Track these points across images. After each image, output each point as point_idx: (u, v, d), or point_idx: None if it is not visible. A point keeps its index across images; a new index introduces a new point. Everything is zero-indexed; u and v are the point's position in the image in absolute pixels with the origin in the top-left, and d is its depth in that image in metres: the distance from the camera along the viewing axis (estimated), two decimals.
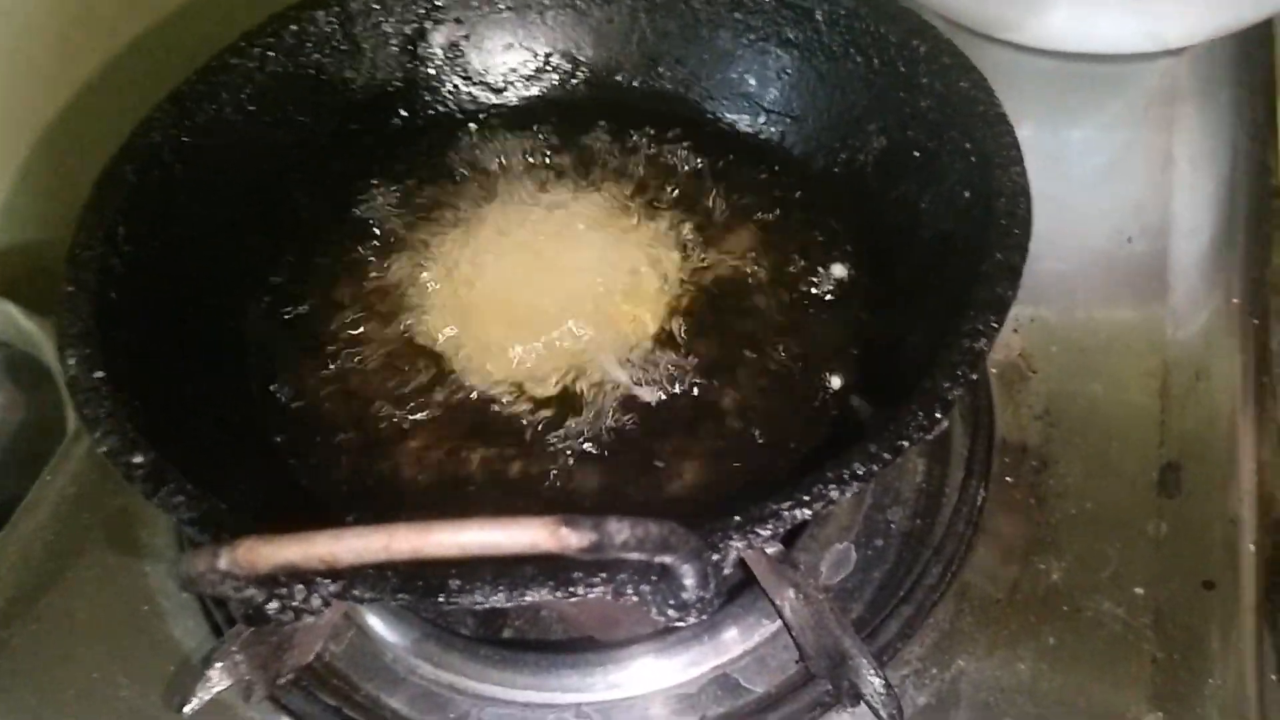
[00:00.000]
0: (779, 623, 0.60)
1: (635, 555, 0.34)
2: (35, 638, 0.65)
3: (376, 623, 0.64)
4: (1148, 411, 0.68)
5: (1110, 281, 0.76)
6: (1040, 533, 0.63)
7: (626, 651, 0.61)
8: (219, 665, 0.57)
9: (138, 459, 0.49)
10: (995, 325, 0.49)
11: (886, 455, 0.45)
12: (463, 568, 0.42)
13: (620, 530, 0.34)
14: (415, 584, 0.42)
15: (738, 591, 0.62)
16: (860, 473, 0.45)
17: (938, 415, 0.46)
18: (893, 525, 0.65)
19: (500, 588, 0.42)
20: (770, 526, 0.44)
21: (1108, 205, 0.80)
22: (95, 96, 0.95)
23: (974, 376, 0.47)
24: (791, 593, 0.57)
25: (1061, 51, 0.88)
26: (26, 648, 0.65)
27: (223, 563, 0.33)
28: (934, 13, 0.84)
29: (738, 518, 0.44)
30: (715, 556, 0.43)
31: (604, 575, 0.41)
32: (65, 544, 0.69)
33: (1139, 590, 0.61)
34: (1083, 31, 0.85)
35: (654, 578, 0.41)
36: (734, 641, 0.62)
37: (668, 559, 0.36)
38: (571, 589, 0.41)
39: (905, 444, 0.46)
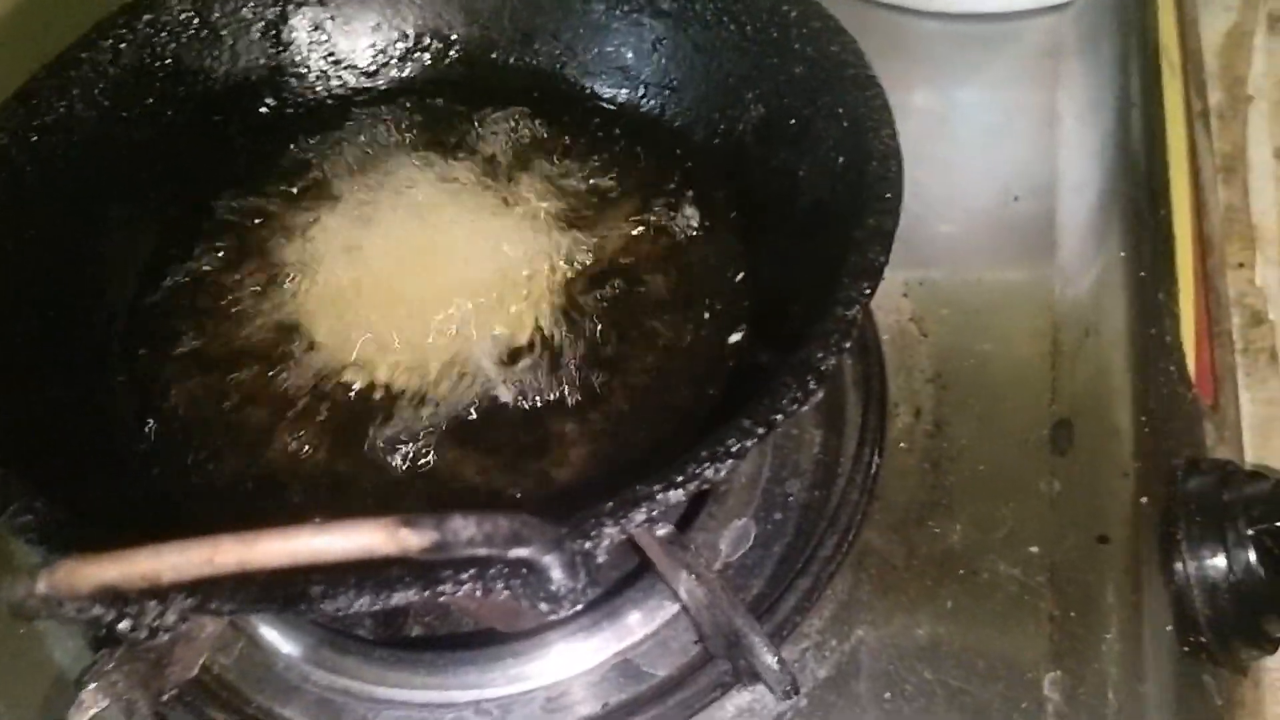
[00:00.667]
0: (677, 606, 0.59)
1: (484, 551, 0.33)
2: None
3: (267, 631, 0.61)
4: (1038, 370, 0.67)
5: (998, 241, 0.76)
6: (935, 496, 0.63)
7: (528, 642, 0.60)
8: (93, 686, 0.54)
9: None
10: (868, 291, 0.48)
11: (760, 429, 0.44)
12: (327, 573, 0.41)
13: (465, 527, 0.32)
14: (275, 594, 0.40)
15: (637, 575, 0.61)
16: (734, 449, 0.44)
17: (812, 386, 0.45)
18: (791, 498, 0.64)
19: (365, 591, 0.40)
20: (644, 509, 0.42)
21: (995, 165, 0.80)
22: None
23: (847, 345, 0.46)
24: (684, 574, 0.56)
25: (947, 12, 0.88)
26: None
27: (41, 587, 0.31)
28: None
29: (610, 503, 0.43)
30: (587, 544, 0.41)
31: (471, 572, 0.40)
32: None
33: (1034, 549, 0.61)
34: None
35: (524, 571, 0.40)
36: (636, 625, 0.60)
37: (523, 552, 0.34)
38: (437, 588, 0.40)
39: (779, 416, 0.44)
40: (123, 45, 0.66)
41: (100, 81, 0.65)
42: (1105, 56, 0.87)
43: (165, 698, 0.58)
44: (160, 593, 0.39)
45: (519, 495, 0.56)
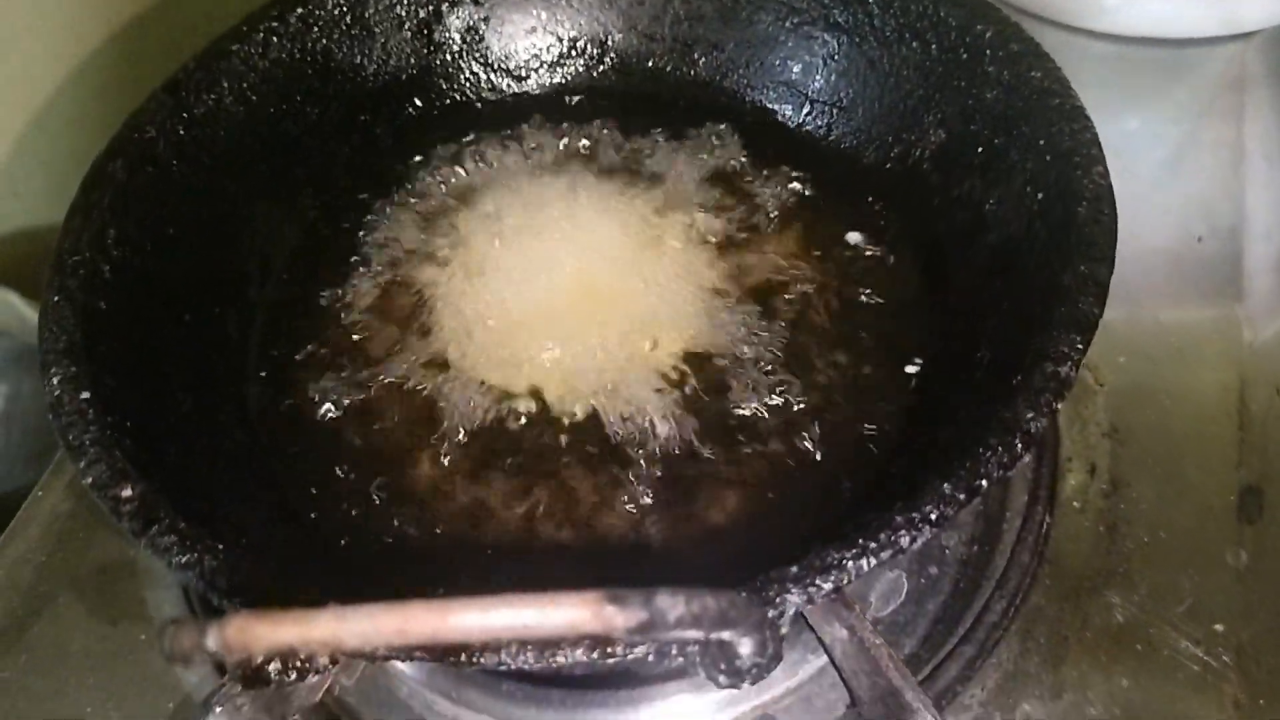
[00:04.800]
0: (825, 658, 0.55)
1: (692, 634, 0.29)
2: (25, 670, 0.61)
3: None
4: (1224, 428, 0.62)
5: (1180, 285, 0.70)
6: (1111, 563, 0.58)
7: (660, 688, 0.57)
8: (219, 710, 0.52)
9: (126, 492, 0.44)
10: (1081, 347, 0.43)
11: (962, 496, 0.40)
12: None
13: (674, 606, 0.29)
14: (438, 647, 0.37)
15: None
16: (933, 517, 0.40)
17: (1019, 449, 0.41)
18: (948, 552, 0.60)
19: (529, 649, 0.37)
20: (833, 579, 0.39)
21: (1174, 202, 0.74)
22: (99, 71, 0.90)
23: (1059, 405, 0.42)
24: (843, 632, 0.52)
25: (1121, 35, 0.82)
26: (15, 681, 0.60)
27: (210, 643, 0.29)
28: None
29: (794, 569, 0.39)
30: (771, 613, 0.38)
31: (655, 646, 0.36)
32: (57, 567, 0.64)
33: (1219, 626, 0.56)
34: (1146, 14, 0.79)
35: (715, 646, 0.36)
36: (777, 678, 0.57)
37: (726, 635, 0.31)
38: (611, 652, 0.36)
39: (984, 483, 0.40)
40: (274, 39, 0.64)
41: (249, 75, 0.63)
42: None
43: None
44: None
45: (666, 537, 0.52)
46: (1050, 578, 0.58)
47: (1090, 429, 0.63)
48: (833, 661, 0.53)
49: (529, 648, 0.37)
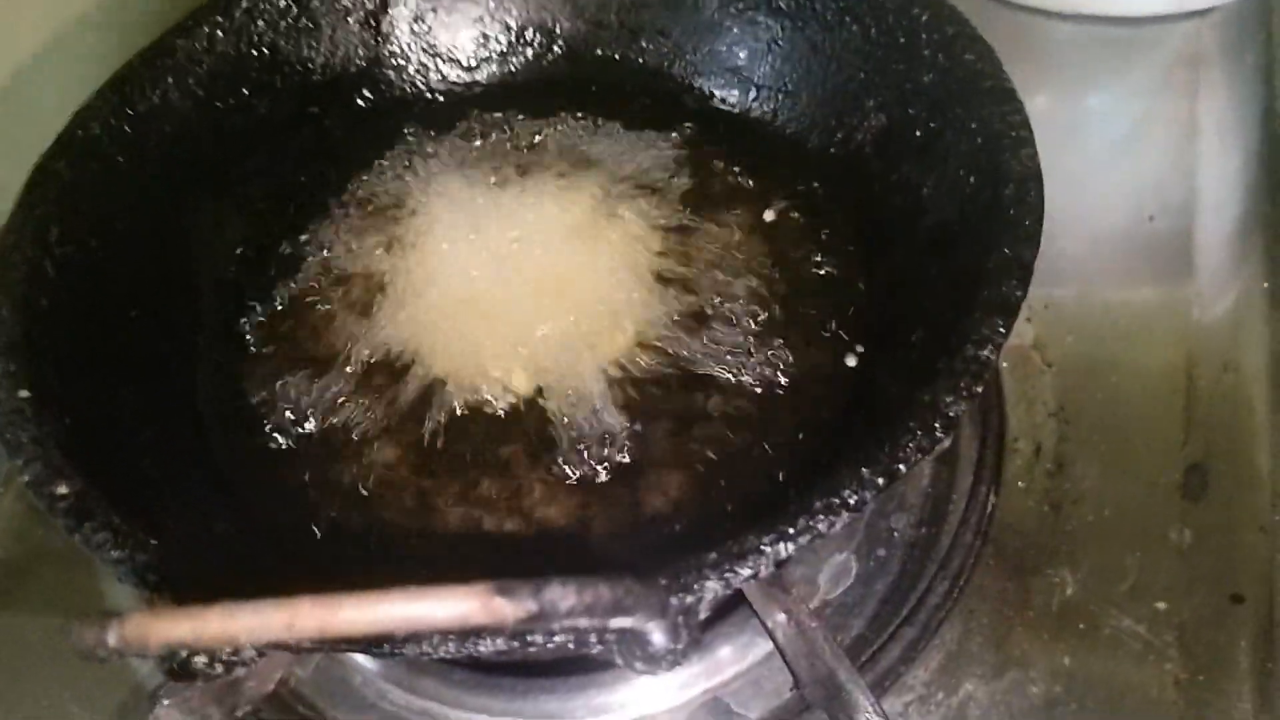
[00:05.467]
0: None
1: (585, 622, 0.30)
2: None
3: None
4: (1171, 407, 0.63)
5: (1130, 263, 0.70)
6: (1055, 542, 0.59)
7: (613, 673, 0.57)
8: (168, 702, 0.52)
9: (61, 489, 0.44)
10: (1003, 331, 0.44)
11: (880, 480, 0.41)
12: None
13: (564, 596, 0.29)
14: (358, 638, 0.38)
15: (730, 607, 0.58)
16: (851, 501, 0.40)
17: (939, 434, 0.41)
18: (896, 534, 0.60)
19: (450, 639, 0.37)
20: (750, 564, 0.39)
21: (1127, 180, 0.75)
22: (54, 64, 0.89)
23: (979, 389, 0.42)
24: (782, 616, 0.52)
25: (1078, 14, 0.82)
26: None
27: (111, 639, 0.29)
28: None
29: (713, 554, 0.39)
30: (688, 599, 0.38)
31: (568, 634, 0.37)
32: (15, 562, 0.65)
33: (1161, 605, 0.56)
34: None
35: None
36: (727, 662, 0.57)
37: (626, 622, 0.31)
38: (528, 645, 0.37)
39: (902, 467, 0.41)
40: (219, 33, 0.64)
41: (195, 70, 0.63)
42: (1249, 66, 0.81)
43: (240, 713, 0.56)
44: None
45: (607, 524, 0.53)
46: (994, 558, 0.58)
47: (1037, 408, 0.63)
48: (775, 645, 0.54)
49: (450, 637, 0.37)
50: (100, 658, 0.31)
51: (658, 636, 0.35)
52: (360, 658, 0.59)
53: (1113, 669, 0.55)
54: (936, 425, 0.42)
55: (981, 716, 0.54)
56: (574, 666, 0.58)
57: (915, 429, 0.42)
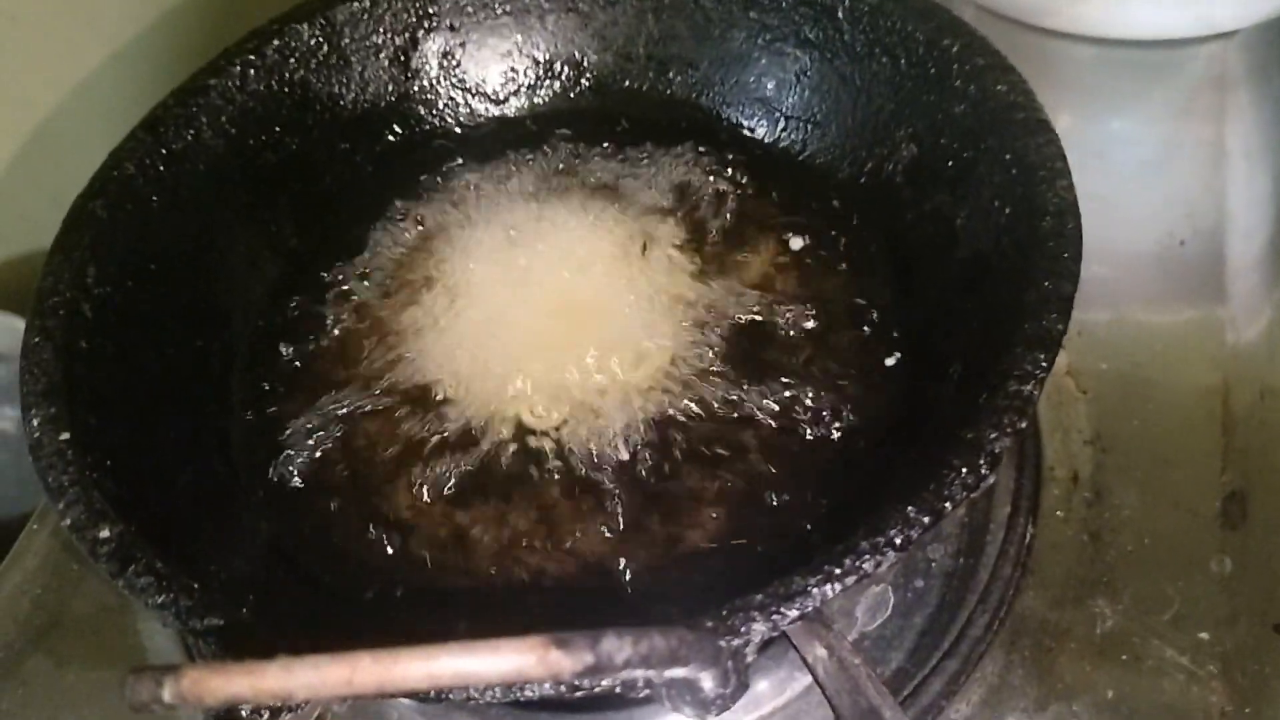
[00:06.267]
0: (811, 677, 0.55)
1: (641, 673, 0.30)
2: (22, 702, 0.61)
3: None
4: (1208, 434, 0.62)
5: (1162, 289, 0.70)
6: (1095, 572, 0.58)
7: (648, 708, 0.57)
8: None
9: (104, 533, 0.45)
10: (1045, 365, 0.43)
11: (926, 519, 0.40)
12: None
13: (620, 648, 0.29)
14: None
15: (768, 641, 0.57)
16: (897, 541, 0.40)
17: (984, 471, 0.41)
18: (934, 564, 0.60)
19: (496, 686, 0.37)
20: (798, 606, 0.39)
21: (1156, 204, 0.74)
22: (102, 93, 0.90)
23: (1023, 425, 0.42)
24: (823, 652, 0.52)
25: (1101, 37, 0.82)
26: (13, 714, 0.61)
27: (167, 694, 0.29)
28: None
29: (759, 596, 0.39)
30: (736, 642, 0.38)
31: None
32: (53, 599, 0.65)
33: (1204, 635, 0.56)
34: (1125, 16, 0.79)
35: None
36: (765, 697, 0.57)
37: (680, 673, 0.31)
38: (576, 686, 0.37)
39: (948, 506, 0.41)
40: (251, 71, 0.64)
41: (228, 109, 0.63)
42: (1277, 87, 0.81)
43: None
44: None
45: (642, 558, 0.53)
46: (1034, 588, 0.58)
47: (1073, 437, 0.63)
48: (816, 680, 0.54)
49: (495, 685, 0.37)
50: (154, 711, 0.31)
51: (708, 682, 0.35)
52: None
53: (1157, 700, 0.54)
54: (981, 463, 0.41)
55: None
56: (611, 702, 0.58)
57: (960, 466, 0.41)
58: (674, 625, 0.31)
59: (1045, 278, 0.46)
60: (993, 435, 0.42)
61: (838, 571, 0.39)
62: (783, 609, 0.39)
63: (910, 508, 0.41)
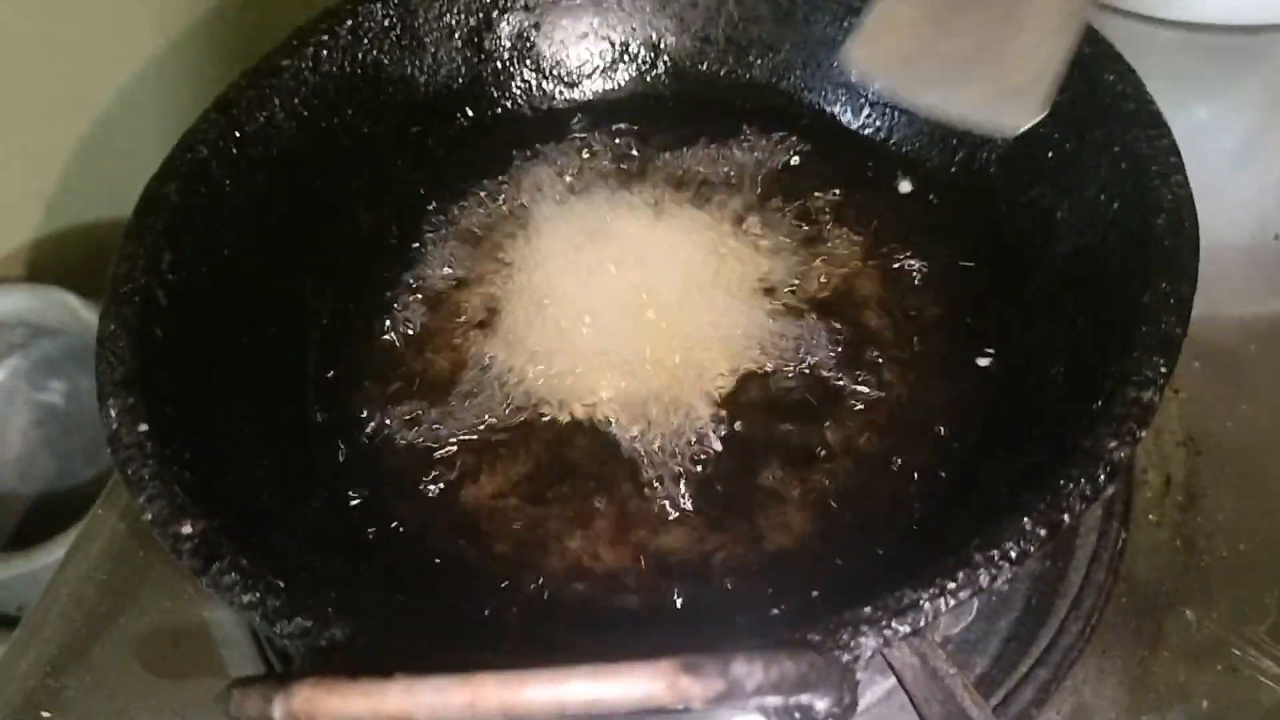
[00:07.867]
0: (893, 679, 0.54)
1: (771, 700, 0.28)
2: (89, 689, 0.61)
3: None
4: None
5: (1257, 284, 0.67)
6: (1189, 580, 0.56)
7: (720, 715, 0.55)
8: None
9: (186, 529, 0.43)
10: (1165, 371, 0.42)
11: (1043, 532, 0.39)
12: None
13: (751, 673, 0.28)
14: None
15: None
16: (1013, 554, 0.38)
17: (1103, 481, 0.40)
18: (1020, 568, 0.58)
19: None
20: (909, 621, 0.38)
21: (1247, 196, 0.72)
22: (158, 72, 0.90)
23: (1143, 433, 0.40)
24: (915, 660, 0.50)
25: (1189, 22, 0.79)
26: (80, 700, 0.60)
27: (277, 712, 0.28)
28: None
29: (867, 609, 0.38)
30: (845, 658, 0.37)
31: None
32: (120, 584, 0.64)
33: None
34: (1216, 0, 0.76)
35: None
36: None
37: (807, 698, 0.30)
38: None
39: (1065, 518, 0.39)
40: (324, 52, 0.63)
41: (300, 90, 0.62)
42: None
43: None
44: None
45: (727, 559, 0.51)
46: (1126, 595, 0.56)
47: (1165, 438, 0.61)
48: (904, 687, 0.52)
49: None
50: None
51: (821, 702, 0.34)
52: None
53: (1253, 713, 0.52)
54: (1100, 473, 0.40)
55: None
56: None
57: (1078, 476, 0.40)
58: (800, 648, 0.30)
59: (1162, 278, 0.44)
60: (1112, 444, 0.40)
61: (951, 586, 0.38)
62: (894, 624, 0.37)
63: (1026, 519, 0.39)
